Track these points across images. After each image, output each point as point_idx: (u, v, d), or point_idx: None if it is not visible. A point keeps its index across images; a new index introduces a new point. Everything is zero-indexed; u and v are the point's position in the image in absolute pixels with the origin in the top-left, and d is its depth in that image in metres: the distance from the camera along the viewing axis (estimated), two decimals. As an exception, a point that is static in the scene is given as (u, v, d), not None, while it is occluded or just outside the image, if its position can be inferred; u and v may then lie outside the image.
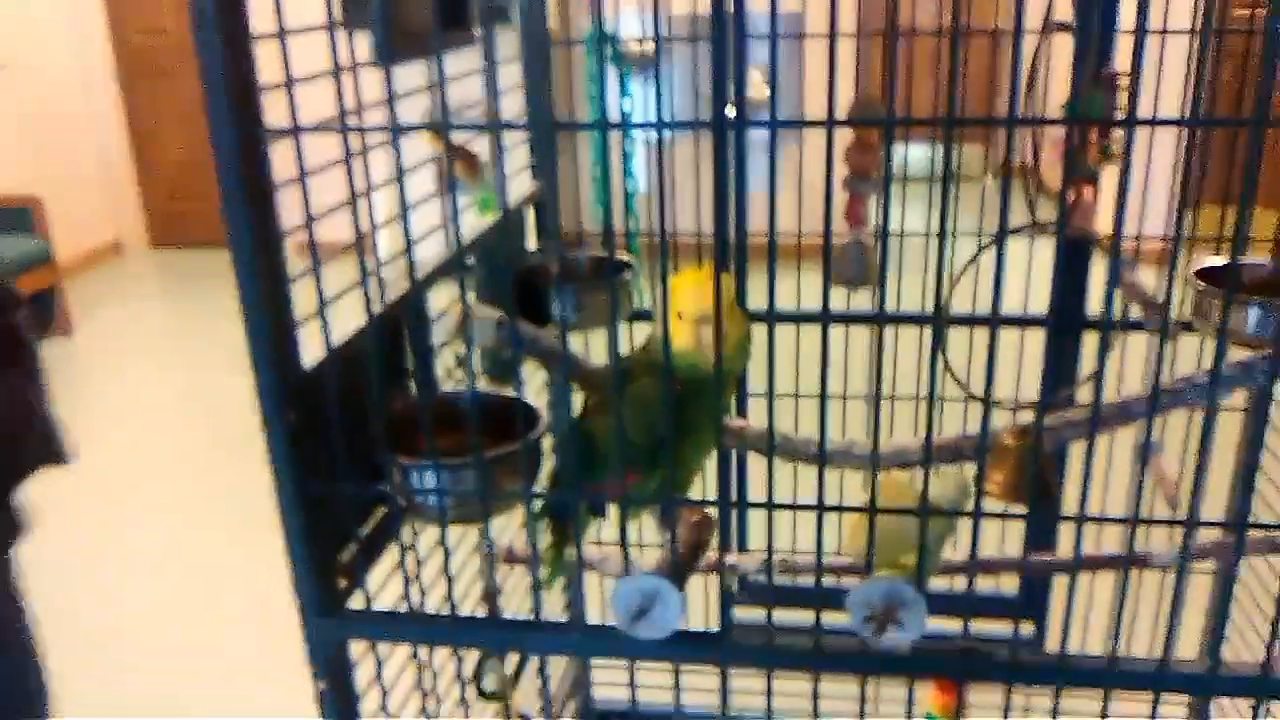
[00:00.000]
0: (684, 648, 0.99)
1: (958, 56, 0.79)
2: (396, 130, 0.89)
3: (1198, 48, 0.81)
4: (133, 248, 6.82)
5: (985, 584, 1.82)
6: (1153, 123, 0.82)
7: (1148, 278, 1.45)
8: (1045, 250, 1.62)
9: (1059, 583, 1.78)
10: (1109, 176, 1.62)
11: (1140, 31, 0.75)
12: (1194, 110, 0.82)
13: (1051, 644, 1.75)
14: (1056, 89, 1.45)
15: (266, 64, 0.93)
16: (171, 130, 6.54)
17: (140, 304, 6.01)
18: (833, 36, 0.79)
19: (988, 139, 6.17)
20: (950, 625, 1.00)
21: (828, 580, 1.27)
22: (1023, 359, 1.65)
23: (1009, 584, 1.90)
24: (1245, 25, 1.64)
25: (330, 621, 1.01)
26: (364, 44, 1.02)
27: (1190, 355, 1.47)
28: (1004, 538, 1.63)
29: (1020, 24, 0.82)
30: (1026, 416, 1.30)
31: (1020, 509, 1.17)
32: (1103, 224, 1.51)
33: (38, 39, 5.97)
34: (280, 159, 0.94)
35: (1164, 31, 1.40)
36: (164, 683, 2.66)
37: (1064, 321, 1.55)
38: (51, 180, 5.66)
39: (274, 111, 0.93)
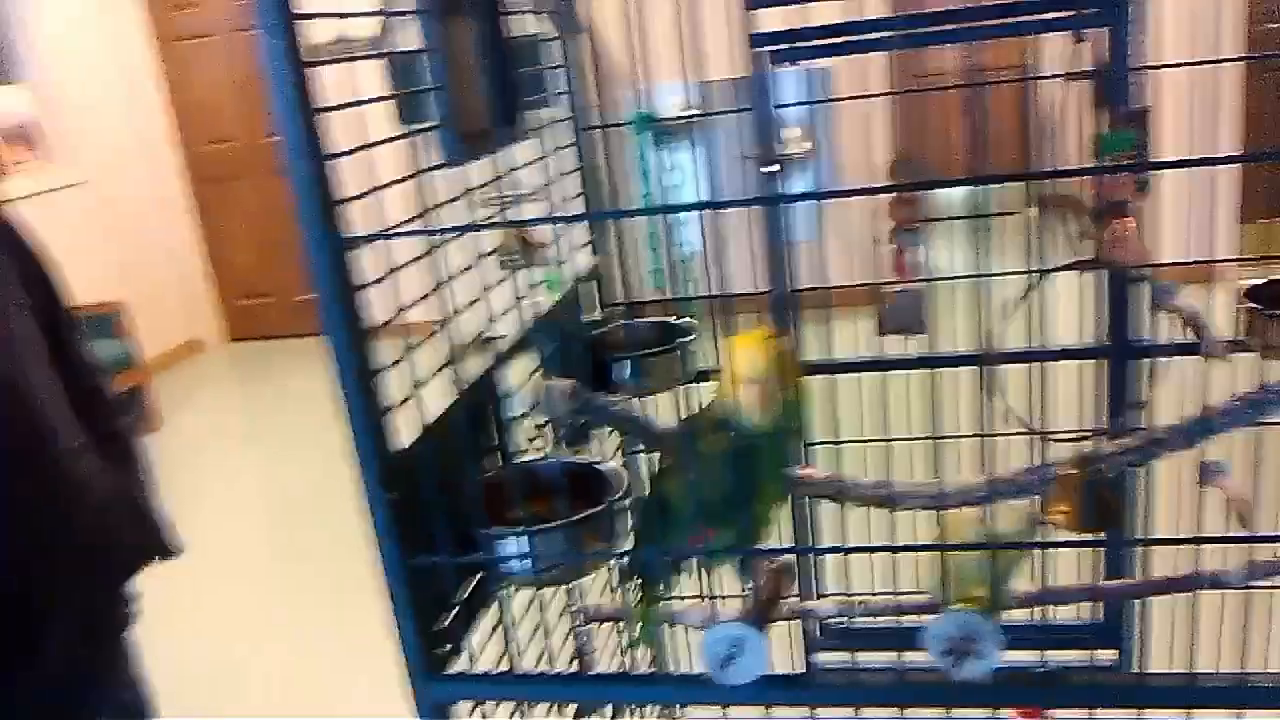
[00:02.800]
0: (771, 690, 1.04)
1: (977, 116, 0.86)
2: (475, 229, 0.98)
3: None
4: (211, 344, 7.09)
5: (1067, 614, 1.83)
6: (1162, 165, 0.87)
7: (1199, 299, 1.48)
8: (1097, 282, 1.66)
9: (1140, 609, 1.78)
10: (1153, 206, 1.66)
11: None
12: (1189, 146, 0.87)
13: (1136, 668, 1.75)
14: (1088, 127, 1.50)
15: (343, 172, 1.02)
16: (241, 231, 6.83)
17: (222, 396, 6.24)
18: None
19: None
20: (1035, 656, 1.03)
21: (906, 620, 1.31)
22: (1082, 389, 1.68)
23: (1093, 614, 1.90)
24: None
25: (435, 684, 1.08)
26: (418, 150, 1.12)
27: (1245, 374, 1.49)
28: (1079, 567, 1.64)
29: (1029, 75, 0.88)
30: (1087, 446, 1.34)
31: (1086, 536, 1.20)
32: (1157, 253, 1.55)
33: (110, 155, 6.31)
34: (365, 255, 1.03)
35: (1176, 65, 1.45)
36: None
37: (1118, 350, 1.58)
38: (132, 287, 5.94)
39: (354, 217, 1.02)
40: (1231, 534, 0.98)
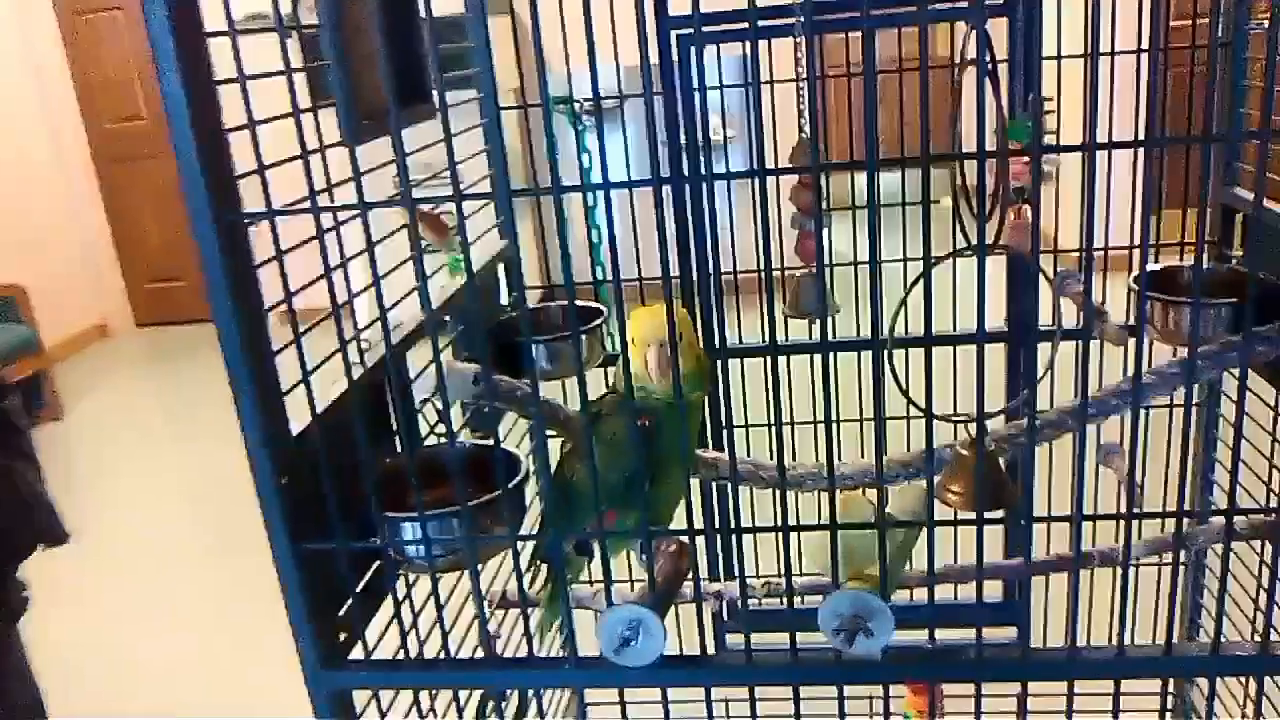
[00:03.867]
0: (669, 672, 1.05)
1: (873, 97, 0.87)
2: (365, 208, 0.96)
3: (1096, 68, 0.88)
4: (118, 329, 6.88)
5: (968, 594, 1.88)
6: (1058, 150, 0.90)
7: (1097, 286, 1.53)
8: (998, 269, 1.70)
9: (1037, 583, 1.84)
10: (1050, 194, 1.71)
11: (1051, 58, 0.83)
12: (1090, 134, 0.89)
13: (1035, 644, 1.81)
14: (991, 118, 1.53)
15: (239, 147, 1.00)
16: (149, 212, 6.63)
17: (129, 383, 6.06)
18: (761, 83, 0.86)
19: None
20: (939, 635, 1.05)
21: (812, 601, 1.33)
22: (981, 373, 1.72)
23: (995, 592, 1.96)
24: (1186, 39, 1.74)
25: (333, 672, 1.06)
26: (333, 119, 1.09)
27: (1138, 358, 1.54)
28: (980, 547, 1.69)
29: (925, 59, 0.89)
30: (991, 428, 1.37)
31: (986, 516, 1.23)
32: (1063, 239, 1.59)
33: (11, 131, 6.07)
34: (258, 235, 1.01)
35: (1084, 56, 1.49)
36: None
37: (1016, 334, 1.62)
38: (34, 269, 5.73)
39: (249, 192, 1.00)
40: (1119, 512, 1.01)
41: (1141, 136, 1.09)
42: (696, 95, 1.56)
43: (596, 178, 1.13)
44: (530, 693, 1.52)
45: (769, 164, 0.94)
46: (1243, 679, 1.61)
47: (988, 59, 1.41)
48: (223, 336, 0.97)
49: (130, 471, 4.65)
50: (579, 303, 1.69)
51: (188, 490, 4.44)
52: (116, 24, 6.36)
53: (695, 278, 1.65)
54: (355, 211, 1.02)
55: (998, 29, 1.50)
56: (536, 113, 1.62)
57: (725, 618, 1.85)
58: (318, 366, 1.03)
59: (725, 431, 1.05)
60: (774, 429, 0.96)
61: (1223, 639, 0.97)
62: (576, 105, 1.83)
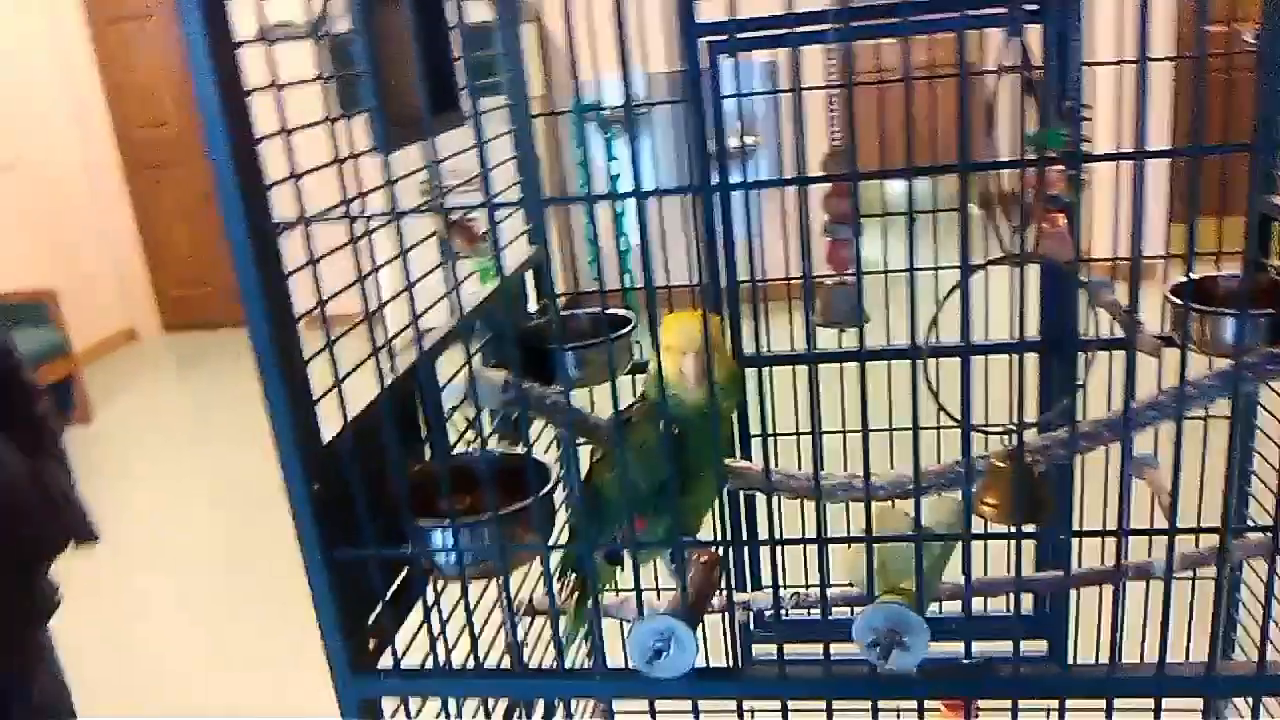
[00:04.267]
0: (701, 684, 1.03)
1: (910, 104, 0.85)
2: (398, 215, 0.96)
3: (1136, 76, 0.87)
4: (146, 333, 6.94)
5: (1000, 606, 1.86)
6: (1092, 158, 0.88)
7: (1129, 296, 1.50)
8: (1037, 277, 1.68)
9: (1073, 598, 1.81)
10: (1090, 202, 1.69)
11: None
12: (1139, 141, 0.88)
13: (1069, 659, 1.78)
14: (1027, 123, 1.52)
15: (272, 156, 1.00)
16: (178, 218, 6.68)
17: (156, 387, 6.11)
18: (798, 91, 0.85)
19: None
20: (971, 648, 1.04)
21: (840, 612, 1.31)
22: (1022, 383, 1.70)
23: (1025, 605, 1.93)
24: (1222, 45, 1.72)
25: (360, 680, 1.06)
26: (354, 130, 1.09)
27: (1174, 368, 1.52)
28: (1014, 559, 1.67)
29: (964, 66, 0.88)
30: (1029, 439, 1.35)
31: (1022, 529, 1.21)
32: (1091, 249, 1.57)
33: (43, 137, 6.14)
34: (291, 243, 1.01)
35: (1120, 62, 1.47)
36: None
37: (1052, 344, 1.60)
38: (64, 273, 5.79)
39: (279, 201, 1.00)
40: (1157, 527, 0.99)
41: (1182, 144, 1.07)
42: (730, 102, 1.56)
43: (623, 186, 1.13)
44: (557, 703, 1.51)
45: (799, 173, 0.93)
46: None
47: (1025, 66, 1.40)
48: (255, 343, 0.97)
49: (157, 475, 4.69)
50: (606, 311, 1.68)
51: (214, 494, 4.47)
52: (146, 32, 6.42)
53: (724, 286, 1.64)
54: (386, 219, 1.02)
55: (1032, 35, 1.49)
56: (563, 121, 1.62)
57: (753, 628, 1.83)
58: (350, 373, 1.03)
59: (761, 441, 1.04)
60: (813, 438, 0.95)
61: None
62: (605, 113, 1.83)
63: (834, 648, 1.01)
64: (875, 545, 0.98)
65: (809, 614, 1.78)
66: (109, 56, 6.53)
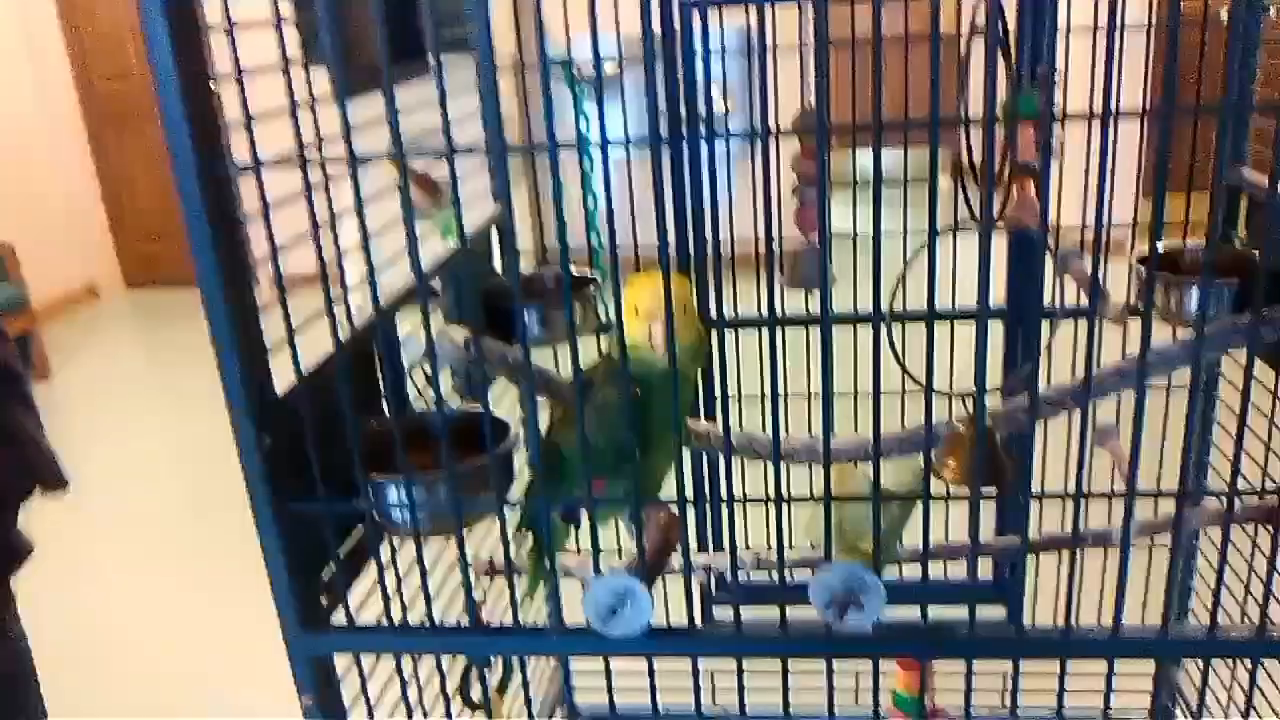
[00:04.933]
0: (656, 642, 1.03)
1: (880, 63, 0.84)
2: (355, 162, 0.93)
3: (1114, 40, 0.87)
4: (108, 290, 6.82)
5: (958, 573, 1.87)
6: (1060, 119, 0.87)
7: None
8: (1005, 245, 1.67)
9: (1030, 564, 1.83)
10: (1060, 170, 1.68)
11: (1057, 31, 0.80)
12: (1105, 105, 0.87)
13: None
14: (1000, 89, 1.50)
15: (228, 102, 0.97)
16: (141, 172, 6.56)
17: (117, 345, 6.02)
18: (768, 51, 0.83)
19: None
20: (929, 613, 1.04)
21: (801, 575, 1.31)
22: (984, 351, 1.70)
23: (984, 572, 1.95)
24: (1195, 14, 1.71)
25: (313, 636, 1.04)
26: (323, 77, 1.07)
27: (1138, 338, 1.52)
28: (975, 523, 1.67)
29: (937, 24, 0.87)
30: (991, 404, 1.35)
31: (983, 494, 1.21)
32: (1063, 217, 1.57)
33: (2, 88, 5.99)
34: (245, 194, 0.98)
35: (1095, 28, 1.46)
36: (155, 704, 2.68)
37: (1015, 312, 1.60)
38: (24, 228, 5.66)
39: (237, 148, 0.97)
40: (1116, 491, 0.99)
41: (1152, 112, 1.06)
42: (699, 63, 1.53)
43: (589, 144, 1.11)
44: (515, 664, 1.50)
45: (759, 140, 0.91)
46: (1230, 664, 1.61)
47: (999, 29, 1.38)
48: (205, 291, 0.94)
49: (116, 432, 4.63)
50: (572, 270, 1.66)
51: (173, 452, 4.42)
52: (110, -21, 6.27)
53: (692, 248, 1.63)
54: (346, 168, 1.00)
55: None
56: (531, 80, 1.59)
57: (713, 590, 1.83)
58: (304, 325, 1.00)
59: (723, 403, 1.03)
60: (773, 400, 0.94)
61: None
62: (576, 71, 1.79)
63: (792, 612, 1.01)
64: (834, 506, 0.98)
65: (769, 577, 1.78)
66: (70, 6, 6.36)
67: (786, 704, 1.08)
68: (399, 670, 1.14)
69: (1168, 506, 1.45)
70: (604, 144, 0.94)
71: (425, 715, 1.26)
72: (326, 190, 1.03)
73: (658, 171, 0.92)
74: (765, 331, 1.61)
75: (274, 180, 0.99)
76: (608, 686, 1.20)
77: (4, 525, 1.46)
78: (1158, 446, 1.57)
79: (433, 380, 1.07)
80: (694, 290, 1.69)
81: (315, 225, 0.96)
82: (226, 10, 0.92)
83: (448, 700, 1.31)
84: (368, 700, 1.13)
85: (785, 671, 1.06)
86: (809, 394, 1.73)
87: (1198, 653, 0.97)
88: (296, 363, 1.00)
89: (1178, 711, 1.90)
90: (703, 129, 1.66)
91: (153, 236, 6.68)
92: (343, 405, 1.04)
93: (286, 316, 0.97)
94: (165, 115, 0.90)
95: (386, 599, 1.06)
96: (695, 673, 1.05)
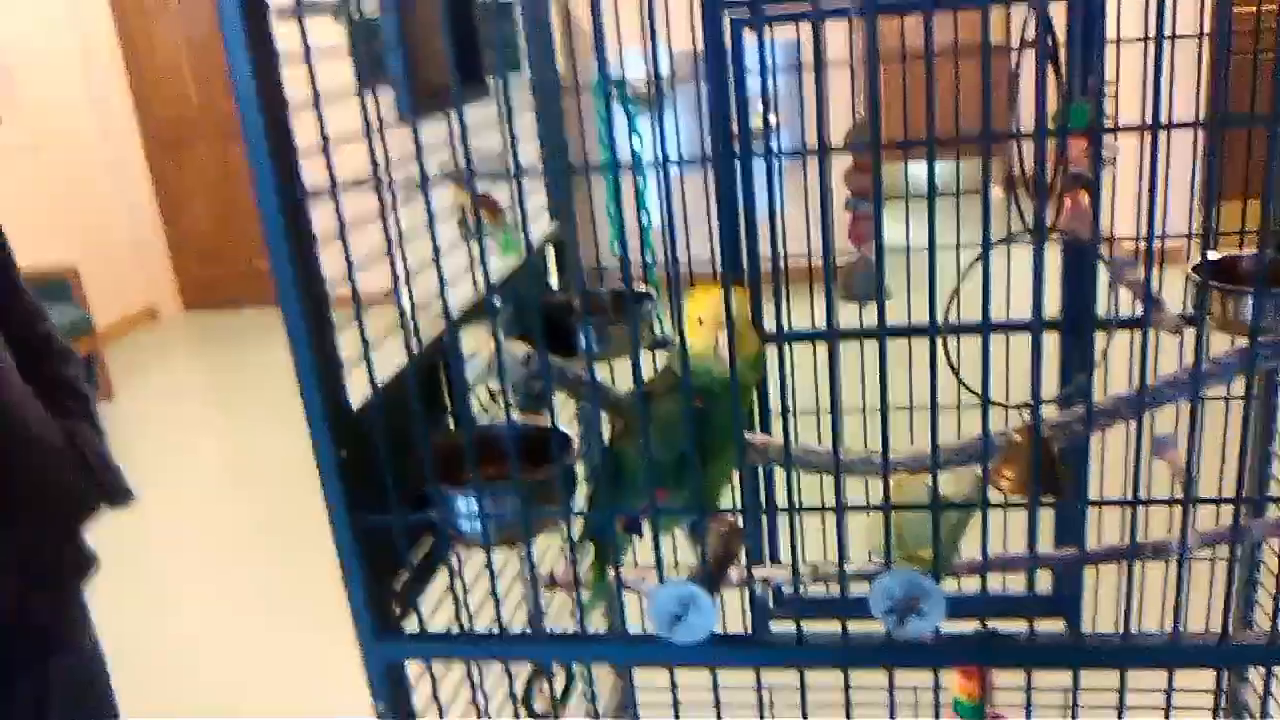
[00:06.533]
0: (719, 650, 1.05)
1: (932, 77, 0.86)
2: (427, 181, 0.97)
3: (1165, 51, 0.87)
4: (167, 312, 6.99)
5: (1017, 586, 1.86)
6: (1115, 130, 0.88)
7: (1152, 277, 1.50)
8: (1055, 257, 1.68)
9: (1090, 579, 1.82)
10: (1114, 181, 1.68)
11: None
12: (1154, 115, 0.88)
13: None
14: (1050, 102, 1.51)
15: (300, 130, 1.01)
16: (198, 197, 6.73)
17: (177, 366, 6.17)
18: (820, 67, 0.86)
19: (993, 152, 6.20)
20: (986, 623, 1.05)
21: (859, 588, 1.32)
22: (1040, 362, 1.70)
23: (1044, 586, 1.94)
24: (1250, 24, 1.71)
25: (386, 644, 1.08)
26: (379, 103, 1.11)
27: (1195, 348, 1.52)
28: (1033, 531, 1.67)
29: (987, 37, 0.89)
30: (1045, 415, 1.35)
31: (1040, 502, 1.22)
32: (1118, 228, 1.57)
33: (66, 117, 6.18)
34: (318, 214, 1.02)
35: (1145, 39, 1.46)
36: (218, 712, 2.74)
37: (1071, 322, 1.60)
38: (86, 252, 5.83)
39: (309, 172, 1.01)
40: (1174, 497, 1.00)
41: (1205, 122, 1.07)
42: (752, 78, 1.56)
43: (642, 162, 1.14)
44: (577, 673, 1.53)
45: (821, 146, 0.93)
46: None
47: (1049, 41, 1.39)
48: (285, 308, 0.98)
49: (178, 452, 4.74)
50: (627, 287, 1.69)
51: (235, 471, 4.52)
52: (168, 10, 6.45)
53: (746, 262, 1.65)
54: (412, 189, 1.04)
55: (1057, 11, 1.49)
56: (586, 100, 1.63)
57: (771, 605, 1.85)
58: (376, 343, 1.04)
59: (782, 417, 1.05)
60: (832, 410, 0.96)
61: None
62: (629, 89, 1.83)
63: (854, 626, 1.03)
64: (894, 516, 0.99)
65: (827, 590, 1.79)
66: (131, 36, 6.56)
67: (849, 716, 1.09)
68: (470, 677, 1.17)
69: (1228, 517, 1.44)
70: (660, 163, 0.97)
71: (491, 719, 1.29)
72: (395, 211, 1.07)
73: (721, 187, 0.95)
74: (806, 344, 1.63)
75: (345, 204, 1.03)
76: (674, 699, 1.22)
77: (71, 540, 1.52)
78: (1218, 458, 1.56)
79: (502, 395, 1.11)
80: (749, 303, 1.71)
81: (390, 243, 1.00)
82: (305, 40, 0.96)
83: (515, 705, 1.33)
84: (440, 706, 1.16)
85: (847, 685, 1.07)
86: (864, 407, 1.75)
87: (1259, 659, 0.97)
88: (372, 377, 1.04)
89: (1242, 726, 1.87)
90: (757, 145, 1.69)
91: (209, 260, 6.85)
92: (412, 420, 1.08)
93: (361, 331, 1.01)
94: (247, 140, 0.95)
95: (458, 605, 1.10)
96: (759, 690, 1.06)
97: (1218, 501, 1.04)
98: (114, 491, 1.53)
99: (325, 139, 0.98)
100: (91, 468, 1.48)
